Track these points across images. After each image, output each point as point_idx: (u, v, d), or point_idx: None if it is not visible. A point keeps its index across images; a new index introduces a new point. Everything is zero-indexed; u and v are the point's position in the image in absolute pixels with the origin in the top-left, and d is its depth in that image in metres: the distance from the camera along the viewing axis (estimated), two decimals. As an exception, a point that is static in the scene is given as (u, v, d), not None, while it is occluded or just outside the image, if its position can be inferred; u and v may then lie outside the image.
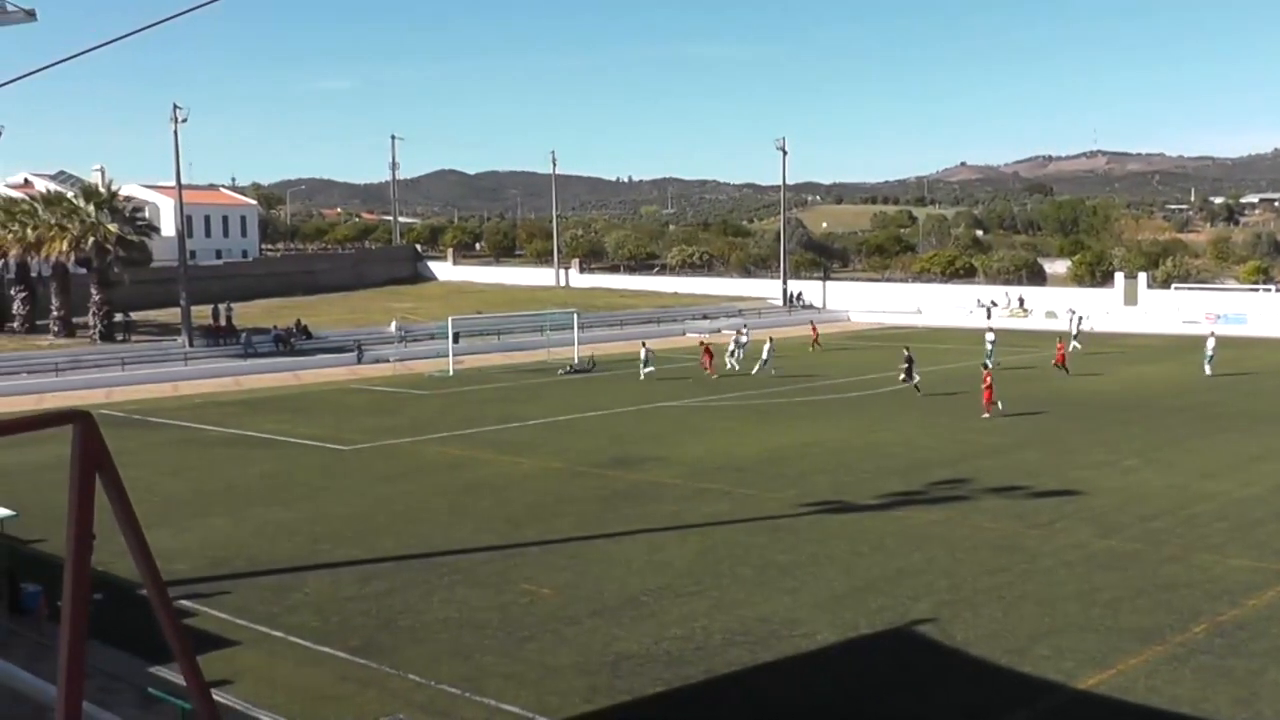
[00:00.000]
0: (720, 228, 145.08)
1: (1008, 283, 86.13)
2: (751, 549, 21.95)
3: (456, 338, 56.89)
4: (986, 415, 36.86)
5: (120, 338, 61.63)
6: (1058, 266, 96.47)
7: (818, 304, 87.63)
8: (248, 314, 68.25)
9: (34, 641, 16.58)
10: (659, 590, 19.45)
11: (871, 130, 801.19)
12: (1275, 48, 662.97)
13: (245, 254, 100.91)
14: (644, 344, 52.50)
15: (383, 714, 14.42)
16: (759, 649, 16.66)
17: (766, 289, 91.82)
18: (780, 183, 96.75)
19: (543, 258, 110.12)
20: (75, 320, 61.82)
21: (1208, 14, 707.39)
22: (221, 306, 65.58)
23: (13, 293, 64.04)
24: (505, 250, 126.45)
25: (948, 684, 15.49)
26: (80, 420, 4.37)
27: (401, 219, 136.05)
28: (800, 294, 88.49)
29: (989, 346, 51.85)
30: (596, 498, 26.78)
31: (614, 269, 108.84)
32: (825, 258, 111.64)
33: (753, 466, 30.07)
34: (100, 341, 60.00)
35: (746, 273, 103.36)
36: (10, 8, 21.29)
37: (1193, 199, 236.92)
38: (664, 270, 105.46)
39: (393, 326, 66.32)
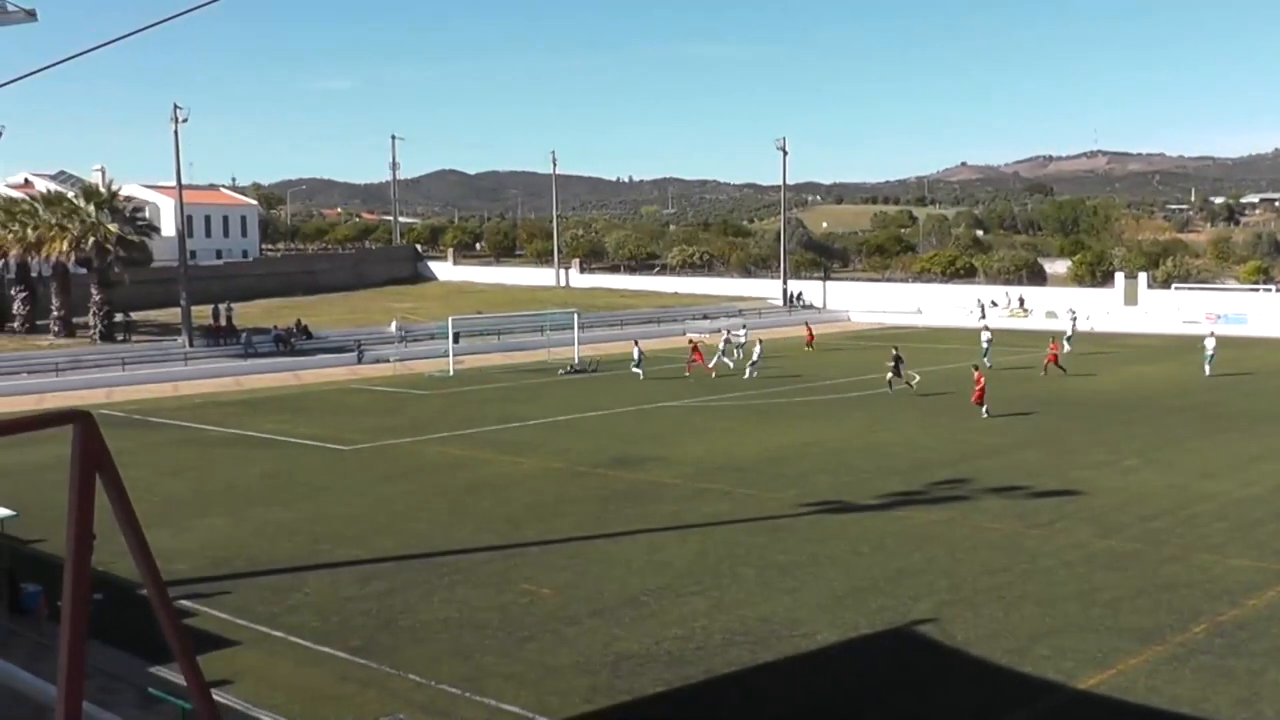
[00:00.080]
0: (720, 228, 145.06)
1: (1008, 283, 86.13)
2: (752, 549, 21.95)
3: (457, 338, 56.89)
4: (986, 413, 36.83)
5: (120, 338, 61.65)
6: (1058, 266, 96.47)
7: (818, 304, 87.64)
8: (248, 314, 68.27)
9: (34, 641, 16.58)
10: (659, 590, 19.44)
11: (872, 130, 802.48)
12: (1275, 48, 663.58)
13: (245, 254, 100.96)
14: (636, 342, 52.71)
15: (383, 714, 14.42)
16: (759, 649, 16.66)
17: (767, 289, 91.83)
18: (781, 183, 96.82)
19: (543, 258, 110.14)
20: (75, 320, 61.83)
21: (1208, 14, 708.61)
22: (222, 306, 65.59)
23: (13, 293, 64.06)
24: (505, 250, 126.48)
25: (948, 684, 15.49)
26: (80, 420, 4.37)
27: (402, 219, 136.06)
28: (800, 294, 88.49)
29: (985, 345, 51.83)
30: (596, 498, 26.78)
31: (614, 269, 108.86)
32: (825, 258, 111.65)
33: (753, 466, 30.07)
34: (100, 341, 60.01)
35: (747, 273, 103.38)
36: (10, 8, 21.29)
37: (1193, 199, 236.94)
38: (664, 270, 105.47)
39: (393, 326, 66.31)
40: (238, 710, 14.38)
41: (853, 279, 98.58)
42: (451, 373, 52.93)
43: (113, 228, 60.15)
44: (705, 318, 77.37)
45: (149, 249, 65.00)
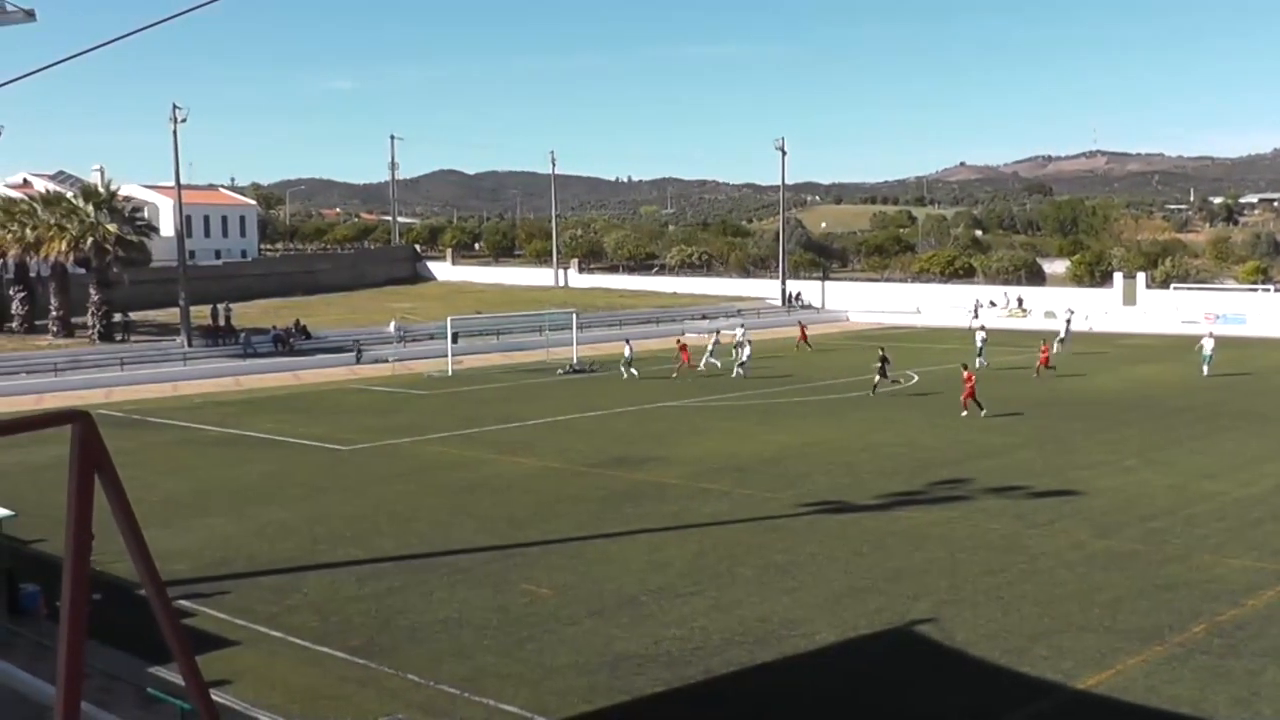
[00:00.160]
0: (719, 228, 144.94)
1: (1007, 283, 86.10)
2: (751, 549, 21.95)
3: (455, 338, 56.90)
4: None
5: (119, 338, 61.62)
6: (1057, 266, 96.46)
7: (816, 304, 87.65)
8: (247, 314, 68.24)
9: (33, 642, 16.57)
10: (658, 590, 19.45)
11: (870, 130, 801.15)
12: (1275, 48, 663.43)
13: (244, 254, 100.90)
14: (627, 342, 52.79)
15: (382, 714, 14.42)
16: (758, 649, 16.66)
17: (765, 289, 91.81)
18: (779, 183, 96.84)
19: (542, 258, 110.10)
20: (74, 320, 61.79)
21: (1207, 14, 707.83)
22: (221, 307, 65.53)
23: (12, 293, 64.03)
24: (504, 250, 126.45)
25: (947, 684, 15.49)
26: (79, 420, 4.36)
27: (401, 219, 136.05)
28: (799, 294, 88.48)
29: (979, 345, 51.82)
30: (596, 498, 26.78)
31: (613, 269, 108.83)
32: (824, 258, 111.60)
33: (753, 467, 30.07)
34: (99, 342, 59.99)
35: (745, 273, 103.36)
36: (10, 8, 21.28)
37: (1192, 199, 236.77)
38: (663, 270, 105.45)
39: (392, 326, 66.29)
40: (237, 710, 14.38)
41: (851, 279, 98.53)
42: (450, 373, 52.94)
43: (111, 228, 60.12)
44: (704, 318, 77.36)
45: (148, 249, 65.00)
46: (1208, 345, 48.47)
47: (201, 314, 63.84)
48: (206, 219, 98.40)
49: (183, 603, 18.43)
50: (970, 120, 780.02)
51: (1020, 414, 38.05)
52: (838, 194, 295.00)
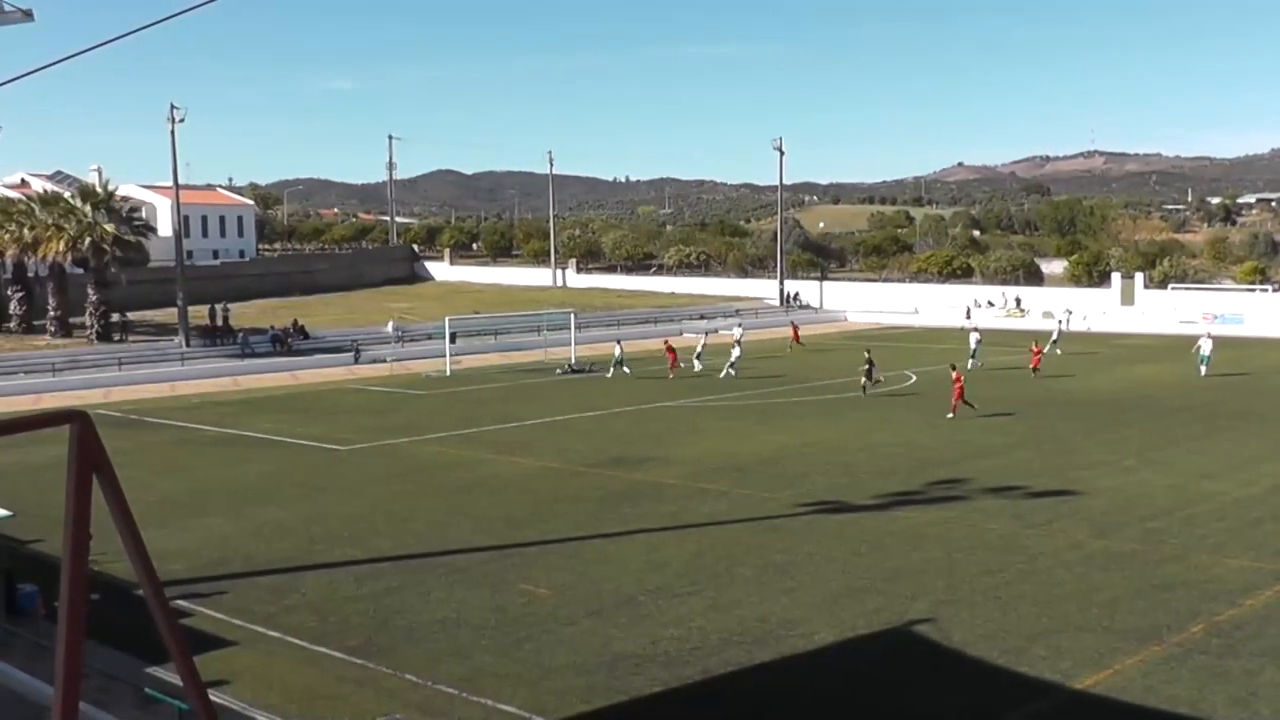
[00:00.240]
0: (717, 228, 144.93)
1: (1005, 283, 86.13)
2: (749, 549, 21.95)
3: (453, 338, 56.88)
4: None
5: (117, 338, 61.62)
6: (1055, 267, 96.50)
7: (814, 304, 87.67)
8: (245, 314, 68.22)
9: (31, 642, 16.55)
10: (656, 590, 19.44)
11: (868, 130, 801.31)
12: (1274, 48, 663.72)
13: (242, 254, 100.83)
14: (618, 342, 52.85)
15: (380, 714, 14.41)
16: (756, 649, 16.66)
17: (763, 289, 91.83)
18: (778, 183, 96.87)
19: (540, 258, 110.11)
20: (72, 320, 61.77)
21: (1206, 14, 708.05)
22: (218, 307, 65.51)
23: (9, 293, 64.02)
24: (502, 250, 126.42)
25: (945, 684, 15.49)
26: (77, 420, 4.35)
27: (399, 219, 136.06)
28: (797, 294, 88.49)
29: (973, 346, 51.78)
30: (594, 498, 26.77)
31: (611, 269, 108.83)
32: (822, 258, 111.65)
33: (751, 467, 30.07)
34: (97, 342, 59.98)
35: (743, 273, 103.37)
36: (8, 8, 21.24)
37: (1190, 199, 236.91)
38: (661, 270, 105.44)
39: (390, 326, 66.29)
40: (235, 710, 14.37)
41: (850, 279, 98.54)
42: (448, 373, 52.92)
43: (109, 228, 60.09)
44: (702, 318, 77.37)
45: (145, 249, 65.02)
46: (1206, 345, 48.47)
47: (199, 314, 63.82)
48: (204, 219, 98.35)
49: (180, 603, 18.41)
50: (968, 120, 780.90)
51: (1018, 414, 38.06)
52: (836, 194, 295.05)
